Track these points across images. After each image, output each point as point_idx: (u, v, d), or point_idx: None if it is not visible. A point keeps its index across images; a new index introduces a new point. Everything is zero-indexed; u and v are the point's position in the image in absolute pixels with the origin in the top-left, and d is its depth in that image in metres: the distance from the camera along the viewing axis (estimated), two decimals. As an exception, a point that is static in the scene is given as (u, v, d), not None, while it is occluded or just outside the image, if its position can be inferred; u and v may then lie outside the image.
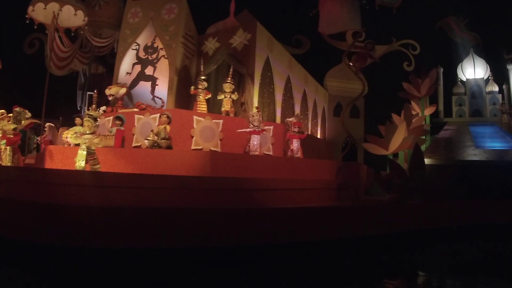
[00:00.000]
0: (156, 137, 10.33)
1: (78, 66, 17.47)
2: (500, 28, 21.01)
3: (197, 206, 7.88)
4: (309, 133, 16.72)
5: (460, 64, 22.20)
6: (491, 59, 22.01)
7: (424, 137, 17.81)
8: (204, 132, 11.26)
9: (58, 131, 13.39)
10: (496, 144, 16.15)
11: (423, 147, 15.79)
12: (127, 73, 14.25)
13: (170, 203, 7.82)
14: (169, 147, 10.37)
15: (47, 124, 13.59)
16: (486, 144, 16.10)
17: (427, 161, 13.04)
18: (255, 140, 10.82)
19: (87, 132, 9.03)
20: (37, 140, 14.33)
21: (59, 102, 17.60)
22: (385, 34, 20.89)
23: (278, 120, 14.05)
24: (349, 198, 11.52)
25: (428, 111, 19.60)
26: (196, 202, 8.06)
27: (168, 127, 10.59)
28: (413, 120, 16.93)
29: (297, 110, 15.75)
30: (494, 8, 20.49)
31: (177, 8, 13.74)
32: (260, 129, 10.82)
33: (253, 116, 10.84)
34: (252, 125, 10.82)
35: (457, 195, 11.54)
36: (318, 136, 18.06)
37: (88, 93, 17.59)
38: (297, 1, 17.20)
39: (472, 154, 14.31)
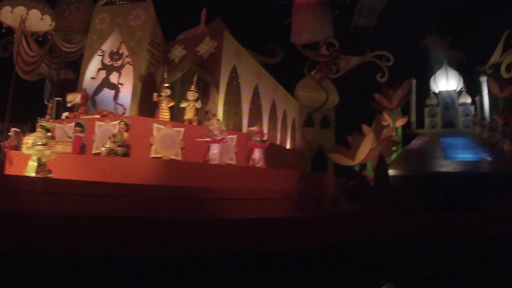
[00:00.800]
0: (113, 144, 10.13)
1: (47, 71, 17.17)
2: (474, 41, 21.19)
3: (148, 215, 7.69)
4: (278, 143, 16.58)
5: (433, 76, 22.33)
6: (464, 71, 22.18)
7: (394, 148, 17.89)
8: (164, 140, 11.06)
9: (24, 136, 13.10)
10: (466, 155, 16.20)
11: (392, 158, 15.78)
12: (92, 78, 14.02)
13: (119, 211, 7.63)
14: (125, 155, 10.17)
15: (13, 129, 13.28)
16: (455, 155, 16.13)
17: (393, 172, 13.02)
18: (214, 149, 10.66)
19: (39, 143, 8.77)
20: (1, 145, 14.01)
21: (29, 107, 17.28)
22: (359, 45, 20.98)
23: (244, 129, 13.91)
24: (311, 209, 11.36)
25: (400, 122, 19.70)
26: (147, 211, 7.86)
27: (125, 134, 10.39)
28: (383, 131, 17.02)
29: (265, 119, 15.63)
30: (467, 21, 20.64)
31: (144, 15, 13.60)
32: (219, 138, 10.66)
33: (213, 125, 10.68)
34: (212, 134, 10.65)
35: (422, 206, 11.44)
36: (288, 147, 17.90)
37: (56, 98, 17.29)
38: (272, 11, 17.10)
39: (440, 165, 14.29)
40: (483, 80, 21.08)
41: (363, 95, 19.50)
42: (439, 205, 11.61)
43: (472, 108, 21.44)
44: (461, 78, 22.17)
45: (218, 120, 11.19)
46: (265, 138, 12.57)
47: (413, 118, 21.42)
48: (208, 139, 10.68)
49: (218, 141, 10.68)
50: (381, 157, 11.69)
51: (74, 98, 13.08)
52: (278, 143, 16.71)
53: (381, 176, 11.64)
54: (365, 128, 17.04)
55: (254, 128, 12.05)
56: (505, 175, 12.58)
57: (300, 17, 17.21)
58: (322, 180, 12.56)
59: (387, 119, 19.05)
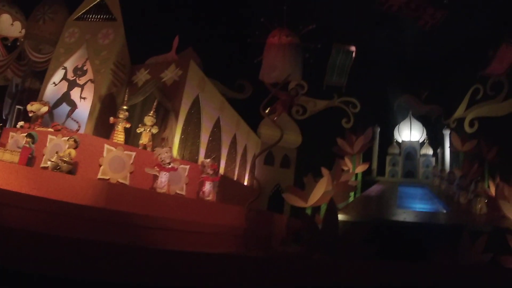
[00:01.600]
0: (59, 159, 9.93)
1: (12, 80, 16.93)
2: (438, 95, 21.79)
3: (82, 236, 7.47)
4: (236, 178, 16.48)
5: (397, 125, 22.77)
6: (428, 123, 22.68)
7: (352, 193, 18.01)
8: (113, 162, 10.88)
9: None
10: (421, 206, 16.32)
11: (345, 203, 15.79)
12: (53, 88, 13.82)
13: (52, 228, 7.39)
14: (70, 172, 9.96)
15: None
16: (410, 205, 16.25)
17: (344, 217, 12.94)
18: (163, 177, 10.52)
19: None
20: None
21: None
22: (328, 89, 21.39)
23: (200, 160, 13.83)
24: (257, 248, 11.26)
25: (360, 168, 19.85)
26: (81, 232, 7.63)
27: (73, 152, 10.19)
28: (342, 176, 17.13)
29: (224, 153, 15.58)
30: (432, 75, 21.24)
31: (113, 34, 13.59)
32: (169, 166, 10.54)
33: (164, 152, 10.57)
34: (161, 161, 10.52)
35: (368, 254, 11.40)
36: (245, 183, 17.81)
37: (17, 106, 16.99)
38: (246, 47, 17.32)
39: (392, 214, 14.34)
40: (446, 133, 21.52)
41: (326, 139, 19.64)
42: (386, 254, 11.61)
43: (433, 159, 21.80)
44: (425, 130, 22.65)
45: (170, 148, 11.09)
46: (222, 171, 12.50)
47: (374, 166, 21.63)
48: (156, 168, 10.54)
49: (167, 169, 10.55)
50: (331, 201, 11.59)
51: (39, 108, 12.80)
52: (235, 178, 16.59)
53: (329, 220, 11.58)
54: (324, 171, 17.13)
55: (207, 161, 11.97)
56: (456, 228, 12.64)
57: (270, 55, 17.46)
58: (271, 219, 12.53)
59: (347, 164, 19.21)
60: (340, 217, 12.94)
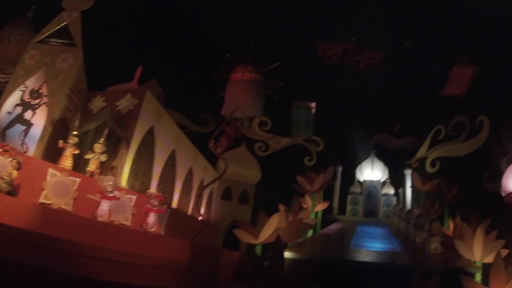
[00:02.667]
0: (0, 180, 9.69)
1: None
2: (400, 135, 22.13)
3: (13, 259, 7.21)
4: (190, 213, 16.24)
5: (359, 165, 22.96)
6: (390, 163, 22.89)
7: (311, 231, 17.94)
8: (57, 187, 10.66)
9: None
10: (376, 245, 16.28)
11: (300, 240, 15.71)
12: (8, 112, 13.60)
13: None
14: (10, 193, 9.69)
15: None
16: (365, 244, 16.20)
17: (294, 255, 12.84)
18: (104, 205, 10.34)
19: None
20: None
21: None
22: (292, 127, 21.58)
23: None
24: (199, 283, 11.00)
25: (321, 207, 19.87)
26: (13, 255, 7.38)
27: (15, 172, 9.96)
28: (300, 214, 17.08)
29: (179, 186, 15.40)
30: (395, 115, 21.62)
31: (72, 60, 13.57)
32: (110, 195, 10.36)
33: (107, 180, 10.41)
34: (104, 189, 10.36)
35: None
36: (200, 218, 17.50)
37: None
38: (212, 82, 17.48)
39: (343, 252, 14.23)
40: (408, 173, 21.80)
41: (288, 176, 19.67)
42: None
43: (394, 199, 21.97)
44: (387, 169, 22.83)
45: (113, 176, 10.94)
46: (176, 204, 12.29)
47: (336, 204, 21.69)
48: (98, 195, 10.36)
49: (108, 198, 10.37)
50: (278, 238, 11.54)
51: None
52: (189, 212, 16.32)
53: (274, 257, 11.45)
54: (281, 208, 17.09)
55: (152, 191, 11.82)
56: (408, 268, 12.53)
57: (232, 91, 17.61)
58: (218, 255, 12.26)
59: (307, 202, 19.21)
60: (291, 254, 12.88)
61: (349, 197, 22.06)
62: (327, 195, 20.82)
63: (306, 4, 19.90)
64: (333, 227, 19.55)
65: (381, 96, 21.83)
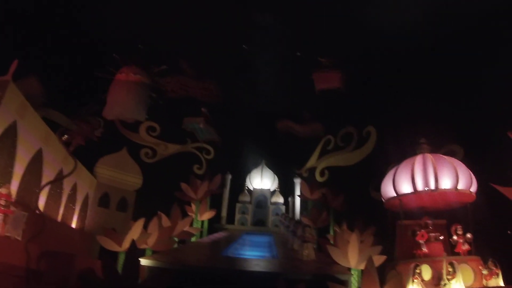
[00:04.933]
0: None
1: None
2: (291, 145, 22.37)
3: None
4: (60, 219, 15.21)
5: (249, 174, 22.96)
6: (281, 172, 23.09)
7: (192, 238, 17.52)
8: None
9: None
10: (251, 253, 16.10)
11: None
12: None
13: None
14: None
15: None
16: (239, 252, 15.99)
17: (153, 262, 12.29)
18: None
19: None
20: None
21: None
22: (182, 133, 21.20)
23: (13, 192, 12.53)
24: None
25: (207, 215, 19.60)
26: None
27: None
28: (180, 222, 16.65)
29: (46, 189, 14.35)
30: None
31: None
32: None
33: None
34: None
35: None
36: (73, 225, 16.47)
37: None
38: (99, 82, 16.68)
39: (210, 261, 13.78)
40: (297, 181, 22.03)
41: (175, 184, 19.18)
42: None
43: (283, 207, 22.12)
44: (276, 178, 22.98)
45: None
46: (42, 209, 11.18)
47: (224, 213, 21.45)
48: None
49: None
50: (133, 243, 11.02)
51: None
52: (59, 219, 15.28)
53: (129, 264, 10.95)
54: (159, 215, 16.58)
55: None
56: (273, 276, 12.24)
57: (115, 92, 17.01)
58: (72, 262, 11.49)
59: (193, 210, 18.87)
60: (150, 262, 12.35)
61: (238, 206, 21.95)
62: (216, 204, 20.58)
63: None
64: (215, 235, 19.28)
65: (273, 107, 22.00)
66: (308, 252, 14.60)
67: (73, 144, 12.97)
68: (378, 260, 13.39)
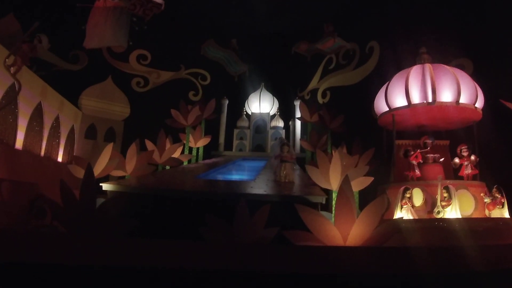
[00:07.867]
0: None
1: None
2: (292, 67, 21.12)
3: None
4: (43, 153, 14.94)
5: (248, 98, 21.90)
6: (281, 95, 21.91)
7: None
8: None
9: None
10: (230, 177, 15.38)
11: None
12: None
13: None
14: None
15: None
16: (223, 176, 15.27)
17: (115, 187, 11.71)
18: None
19: None
20: None
21: None
22: (175, 60, 20.29)
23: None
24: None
25: (202, 142, 18.95)
26: None
27: None
28: (167, 148, 16.14)
29: (23, 124, 13.87)
30: (286, 48, 20.39)
31: None
32: None
33: None
34: None
35: (123, 230, 10.20)
36: (60, 159, 16.23)
37: None
38: (78, 14, 15.88)
39: (178, 184, 12.88)
40: (297, 104, 20.63)
41: (169, 112, 18.46)
42: (148, 230, 10.39)
43: (283, 132, 21.05)
44: (276, 101, 21.82)
45: None
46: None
47: (222, 140, 20.69)
48: None
49: None
50: (89, 167, 10.30)
51: None
52: (42, 153, 15.01)
53: (85, 190, 10.39)
54: (147, 143, 16.15)
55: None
56: (235, 198, 10.39)
57: (93, 20, 16.16)
58: (34, 190, 11.24)
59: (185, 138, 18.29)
60: (113, 187, 11.83)
61: (236, 132, 20.98)
62: (213, 131, 19.86)
63: None
64: (205, 161, 18.54)
65: (271, 28, 20.57)
66: (287, 172, 13.31)
67: (17, 66, 12.15)
68: (364, 182, 12.38)
